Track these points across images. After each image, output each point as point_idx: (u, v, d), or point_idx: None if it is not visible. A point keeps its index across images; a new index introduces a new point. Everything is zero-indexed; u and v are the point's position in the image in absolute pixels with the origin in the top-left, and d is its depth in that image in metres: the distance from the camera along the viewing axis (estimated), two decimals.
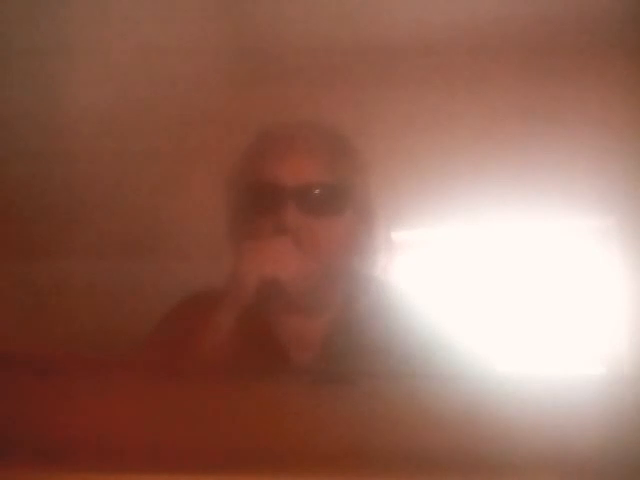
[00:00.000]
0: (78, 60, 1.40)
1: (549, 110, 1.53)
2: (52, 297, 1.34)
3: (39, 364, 0.72)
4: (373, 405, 0.66)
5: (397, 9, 1.48)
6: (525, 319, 1.51)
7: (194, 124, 1.47)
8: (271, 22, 1.50)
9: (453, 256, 1.59)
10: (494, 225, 1.59)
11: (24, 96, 1.38)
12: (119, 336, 1.16)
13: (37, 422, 0.68)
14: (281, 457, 0.65)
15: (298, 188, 0.95)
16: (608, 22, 1.47)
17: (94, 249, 1.39)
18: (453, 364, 0.93)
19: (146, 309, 1.07)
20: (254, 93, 1.49)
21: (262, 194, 0.97)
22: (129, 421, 0.68)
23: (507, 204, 1.51)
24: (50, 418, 0.69)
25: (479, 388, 0.67)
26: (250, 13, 1.48)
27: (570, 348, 1.51)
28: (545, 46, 1.52)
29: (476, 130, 1.52)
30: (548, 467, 0.63)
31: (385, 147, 1.34)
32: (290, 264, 0.91)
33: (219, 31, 1.50)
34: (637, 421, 0.64)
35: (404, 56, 1.54)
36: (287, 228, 0.93)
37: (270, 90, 1.50)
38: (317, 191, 0.96)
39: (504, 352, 1.29)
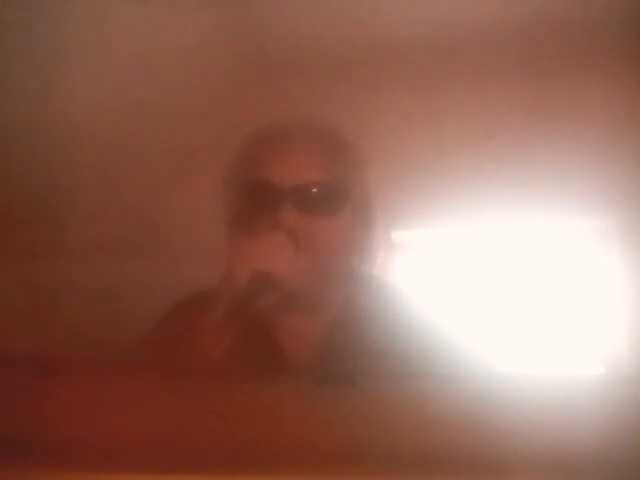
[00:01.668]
0: (77, 60, 1.40)
1: (550, 110, 1.53)
2: (52, 297, 1.34)
3: (39, 364, 0.72)
4: (373, 405, 0.66)
5: (397, 9, 1.47)
6: (525, 319, 1.51)
7: (194, 124, 1.47)
8: (271, 22, 1.50)
9: (453, 256, 1.59)
10: (494, 225, 1.59)
11: (23, 97, 1.38)
12: (119, 336, 1.16)
13: (37, 422, 0.68)
14: (280, 457, 0.64)
15: (295, 187, 0.95)
16: (608, 22, 1.47)
17: (94, 249, 1.39)
18: (453, 364, 0.93)
19: (146, 309, 1.07)
20: (254, 93, 1.49)
21: (260, 193, 0.97)
22: (128, 421, 0.68)
23: (507, 204, 1.51)
24: (50, 418, 0.69)
25: (479, 388, 0.67)
26: (250, 13, 1.48)
27: (570, 348, 1.51)
28: (546, 46, 1.52)
29: (476, 130, 1.52)
30: (548, 467, 0.63)
31: (385, 147, 1.34)
32: (283, 259, 0.91)
33: (219, 31, 1.50)
34: (637, 421, 0.64)
35: (404, 56, 1.54)
36: (284, 227, 0.93)
37: (270, 90, 1.50)
38: (314, 190, 0.96)
39: (504, 352, 1.29)
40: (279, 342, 0.97)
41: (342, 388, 0.67)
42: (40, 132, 1.41)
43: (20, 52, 1.39)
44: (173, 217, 1.43)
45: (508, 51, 1.53)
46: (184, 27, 1.45)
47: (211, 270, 0.96)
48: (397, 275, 1.07)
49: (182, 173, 1.47)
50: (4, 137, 1.37)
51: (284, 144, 0.99)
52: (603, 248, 1.57)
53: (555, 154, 1.51)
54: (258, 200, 0.96)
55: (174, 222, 1.42)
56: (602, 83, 1.51)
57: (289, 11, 1.48)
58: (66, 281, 1.34)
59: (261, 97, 1.48)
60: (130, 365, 0.77)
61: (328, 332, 0.97)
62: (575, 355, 1.51)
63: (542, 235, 1.59)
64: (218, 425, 0.67)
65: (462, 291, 1.49)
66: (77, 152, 1.42)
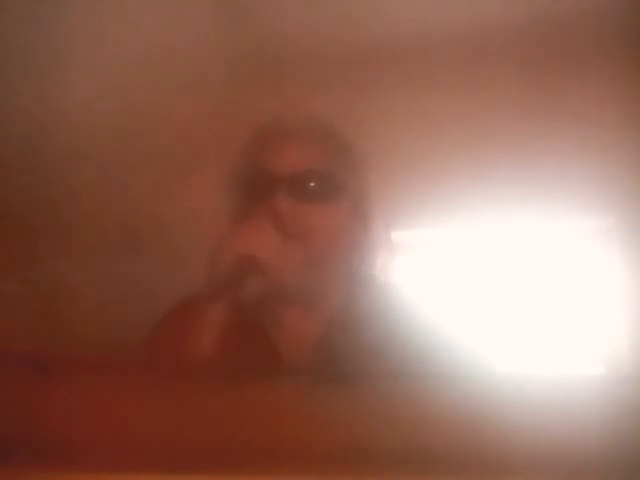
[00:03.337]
0: (77, 60, 1.40)
1: (549, 110, 1.53)
2: (52, 297, 1.34)
3: (39, 364, 0.72)
4: (372, 406, 0.66)
5: (397, 9, 1.48)
6: (525, 319, 1.51)
7: (194, 124, 1.47)
8: (271, 22, 1.50)
9: (453, 256, 1.59)
10: (494, 225, 1.59)
11: (24, 96, 1.38)
12: (119, 336, 1.16)
13: (37, 422, 0.68)
14: (279, 457, 0.64)
15: (291, 176, 0.95)
16: (608, 22, 1.47)
17: (94, 249, 1.39)
18: (453, 364, 0.93)
19: (146, 309, 1.07)
20: (254, 93, 1.49)
21: (256, 184, 0.97)
22: (129, 421, 0.68)
23: (507, 204, 1.51)
24: (50, 418, 0.69)
25: (479, 388, 0.67)
26: (250, 13, 1.49)
27: (570, 348, 1.51)
28: (545, 46, 1.52)
29: (476, 130, 1.52)
30: (548, 467, 0.63)
31: (385, 147, 1.34)
32: (269, 243, 0.90)
33: (219, 31, 1.50)
34: (637, 421, 0.64)
35: (404, 56, 1.54)
36: (278, 215, 0.93)
37: (270, 90, 1.50)
38: (310, 179, 0.96)
39: (504, 352, 1.29)
40: (277, 342, 0.97)
41: (341, 388, 0.67)
42: (41, 133, 1.41)
43: (20, 52, 1.39)
44: (174, 217, 1.43)
45: (507, 51, 1.53)
46: (184, 27, 1.45)
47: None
48: (397, 275, 1.07)
49: (183, 173, 1.47)
50: (4, 137, 1.37)
51: (283, 137, 1.00)
52: (603, 248, 1.57)
53: (555, 154, 1.51)
54: (255, 191, 0.97)
55: (175, 222, 1.42)
56: (602, 83, 1.51)
57: (289, 11, 1.49)
58: (66, 281, 1.34)
59: (261, 97, 1.48)
60: (130, 365, 0.77)
61: (326, 331, 0.97)
62: (575, 355, 1.51)
63: (542, 235, 1.59)
64: (217, 425, 0.67)
65: (462, 291, 1.49)
66: (78, 152, 1.42)
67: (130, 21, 1.42)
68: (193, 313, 0.90)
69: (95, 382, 0.70)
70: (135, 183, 1.46)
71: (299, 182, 0.95)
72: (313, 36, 1.53)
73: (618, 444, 0.63)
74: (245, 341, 0.93)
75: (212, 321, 0.88)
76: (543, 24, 1.49)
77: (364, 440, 0.65)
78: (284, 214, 0.93)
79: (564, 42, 1.51)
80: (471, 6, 1.48)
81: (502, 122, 1.53)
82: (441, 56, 1.53)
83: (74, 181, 1.42)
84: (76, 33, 1.40)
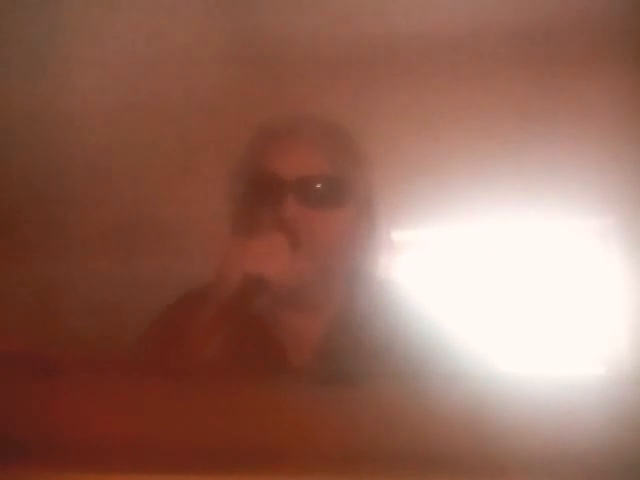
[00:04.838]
0: (78, 58, 1.40)
1: (550, 110, 1.53)
2: (52, 296, 1.34)
3: (39, 364, 0.71)
4: (373, 405, 0.66)
5: (398, 9, 1.48)
6: (525, 319, 1.51)
7: (196, 121, 1.47)
8: (273, 20, 1.50)
9: (453, 256, 1.59)
10: (494, 225, 1.59)
11: (23, 93, 1.38)
12: (119, 336, 1.16)
13: (37, 422, 0.68)
14: (280, 457, 0.64)
15: (297, 181, 0.94)
16: (608, 22, 1.47)
17: (94, 248, 1.39)
18: (453, 364, 0.93)
19: (146, 308, 1.07)
20: (256, 91, 1.49)
21: (263, 187, 0.96)
22: (128, 421, 0.68)
23: (507, 204, 1.51)
24: (50, 418, 0.69)
25: (479, 388, 0.67)
26: (252, 11, 1.49)
27: (570, 348, 1.51)
28: (545, 46, 1.52)
29: (476, 130, 1.52)
30: (548, 467, 0.63)
31: (386, 146, 1.34)
32: (278, 262, 0.89)
33: (221, 28, 1.50)
34: (637, 421, 0.64)
35: (405, 56, 1.54)
36: (286, 220, 0.92)
37: (272, 88, 1.50)
38: (317, 183, 0.95)
39: (505, 352, 1.29)
40: (279, 342, 0.97)
41: (342, 388, 0.67)
42: (40, 131, 1.41)
43: (20, 51, 1.39)
44: (174, 216, 1.43)
45: (508, 51, 1.53)
46: (186, 26, 1.45)
47: (213, 268, 0.95)
48: (398, 274, 1.07)
49: (183, 172, 1.47)
50: (4, 136, 1.37)
51: (288, 138, 0.99)
52: (603, 248, 1.57)
53: (555, 154, 1.51)
54: (261, 193, 0.96)
55: (175, 221, 1.42)
56: (602, 83, 1.51)
57: (290, 10, 1.48)
58: (66, 280, 1.34)
59: (263, 96, 1.48)
60: (130, 365, 0.77)
61: (328, 331, 0.97)
62: (575, 355, 1.51)
63: (542, 235, 1.59)
64: (218, 425, 0.67)
65: (463, 291, 1.49)
66: (78, 151, 1.42)
67: (130, 21, 1.42)
68: (197, 315, 0.89)
69: (95, 382, 0.70)
70: (136, 182, 1.46)
71: (306, 187, 0.94)
72: (314, 36, 1.53)
73: (618, 444, 0.63)
74: (249, 342, 0.92)
75: (211, 328, 0.88)
76: (543, 24, 1.49)
77: (365, 440, 0.65)
78: (292, 220, 0.92)
79: (564, 42, 1.51)
80: (471, 6, 1.48)
81: (502, 122, 1.53)
82: (442, 57, 1.53)
83: (74, 180, 1.42)
84: (77, 34, 1.40)
